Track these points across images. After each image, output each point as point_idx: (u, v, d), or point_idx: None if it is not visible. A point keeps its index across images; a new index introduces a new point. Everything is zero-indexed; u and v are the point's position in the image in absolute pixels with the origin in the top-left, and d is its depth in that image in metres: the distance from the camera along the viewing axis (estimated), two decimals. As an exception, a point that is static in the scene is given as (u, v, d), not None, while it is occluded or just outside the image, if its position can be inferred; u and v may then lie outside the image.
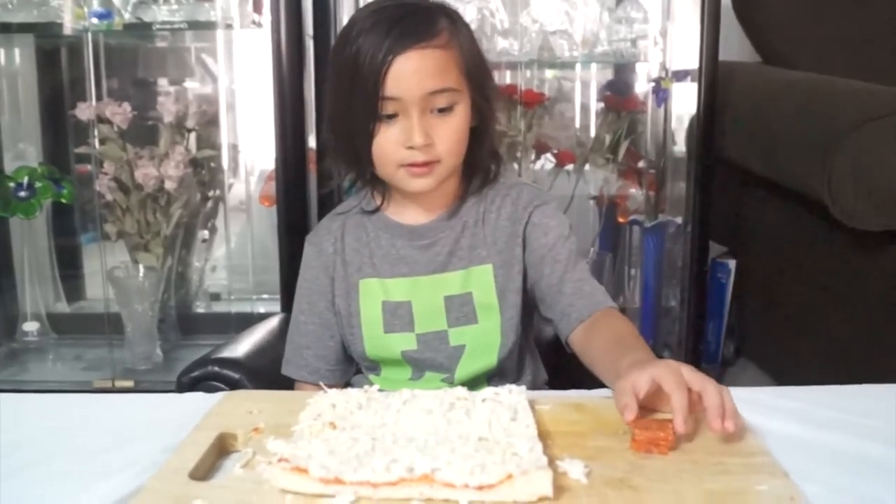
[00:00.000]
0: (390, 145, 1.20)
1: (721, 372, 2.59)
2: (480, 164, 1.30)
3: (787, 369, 2.27)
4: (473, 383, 1.24)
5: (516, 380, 1.31)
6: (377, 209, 1.32)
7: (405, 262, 1.30)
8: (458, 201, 1.31)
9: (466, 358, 1.28)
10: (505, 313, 1.28)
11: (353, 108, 1.19)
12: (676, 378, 0.92)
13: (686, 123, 2.60)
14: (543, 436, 0.87)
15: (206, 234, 2.76)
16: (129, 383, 2.45)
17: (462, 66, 1.21)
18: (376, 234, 1.32)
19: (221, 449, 0.93)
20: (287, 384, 1.35)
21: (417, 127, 1.18)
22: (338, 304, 1.32)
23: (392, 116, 1.19)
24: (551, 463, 0.80)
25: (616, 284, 2.83)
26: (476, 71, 1.24)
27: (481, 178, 1.31)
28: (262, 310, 2.74)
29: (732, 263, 2.63)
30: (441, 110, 1.19)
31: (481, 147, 1.28)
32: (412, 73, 1.16)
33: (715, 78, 2.36)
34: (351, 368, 1.37)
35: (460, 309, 1.28)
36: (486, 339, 1.28)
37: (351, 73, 1.18)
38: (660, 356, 1.48)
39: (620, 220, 2.75)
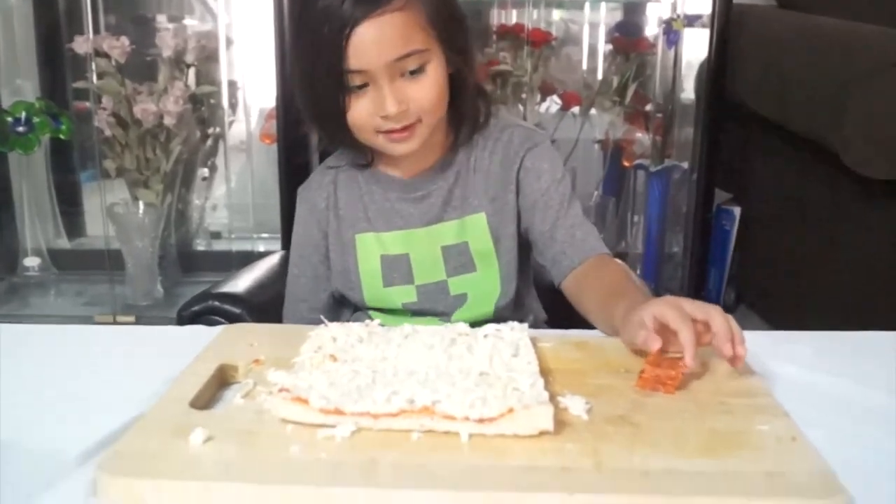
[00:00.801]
0: (364, 116, 1.16)
1: (722, 319, 2.59)
2: (466, 111, 1.25)
3: (787, 318, 2.28)
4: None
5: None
6: (368, 165, 1.30)
7: (400, 216, 1.28)
8: (448, 151, 1.28)
9: (467, 307, 1.28)
10: (502, 259, 1.27)
11: (321, 80, 1.15)
12: (679, 313, 0.91)
13: (696, 67, 2.58)
14: (545, 372, 0.87)
15: (206, 171, 2.75)
16: (131, 318, 2.46)
17: (427, 23, 1.14)
18: (369, 189, 1.30)
19: (222, 380, 0.93)
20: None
21: (389, 95, 1.13)
22: (332, 259, 1.31)
23: (362, 86, 1.14)
24: (552, 399, 0.80)
25: (619, 229, 2.83)
26: (444, 24, 1.17)
27: (470, 124, 1.27)
28: (262, 248, 2.75)
29: (737, 211, 2.63)
30: (412, 72, 1.14)
31: (464, 94, 1.23)
32: (373, 43, 1.10)
33: (727, 23, 2.33)
34: (345, 316, 1.36)
35: (458, 258, 1.27)
36: (485, 287, 1.28)
37: (313, 42, 1.13)
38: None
39: (625, 164, 2.74)
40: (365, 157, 1.29)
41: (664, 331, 0.92)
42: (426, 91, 1.16)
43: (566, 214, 1.25)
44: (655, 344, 0.91)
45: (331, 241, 1.31)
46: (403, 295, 1.28)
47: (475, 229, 1.27)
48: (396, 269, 1.28)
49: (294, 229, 1.36)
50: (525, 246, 1.30)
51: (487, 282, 1.27)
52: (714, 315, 0.92)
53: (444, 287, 1.28)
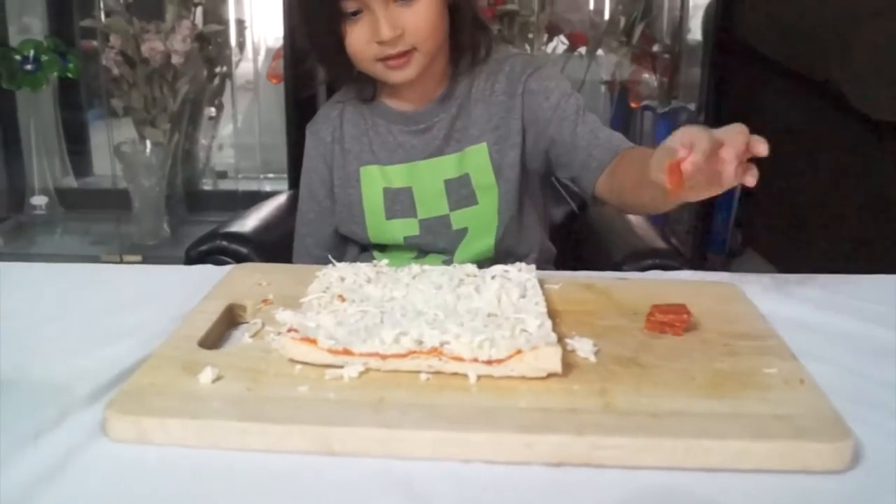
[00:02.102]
0: (360, 43, 1.17)
1: (727, 262, 2.58)
2: (465, 42, 1.25)
3: (793, 261, 2.27)
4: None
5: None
6: (373, 97, 1.30)
7: (403, 149, 1.28)
8: (449, 83, 1.27)
9: (468, 241, 1.27)
10: (502, 189, 1.26)
11: (318, 9, 1.16)
12: (707, 134, 0.87)
13: (703, 8, 2.54)
14: (553, 314, 0.87)
15: (212, 111, 2.73)
16: (137, 258, 2.45)
17: None
18: (374, 122, 1.30)
19: (230, 319, 0.93)
20: (294, 259, 1.35)
21: (383, 21, 1.14)
22: (337, 192, 1.31)
23: (356, 13, 1.15)
24: (560, 341, 0.79)
25: (626, 171, 2.80)
26: None
27: (469, 56, 1.27)
28: (268, 188, 2.74)
29: (744, 153, 2.60)
30: None
31: (462, 25, 1.23)
32: None
33: (736, -40, 2.29)
34: (351, 254, 1.36)
35: (459, 191, 1.27)
36: (486, 219, 1.27)
37: None
38: (667, 243, 1.48)
39: (633, 105, 2.71)
40: (368, 90, 1.29)
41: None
42: (420, 17, 1.16)
43: (584, 121, 1.23)
44: (685, 152, 0.86)
45: (336, 174, 1.31)
46: (406, 228, 1.28)
47: (476, 160, 1.26)
48: (399, 201, 1.28)
49: (303, 166, 1.35)
50: (527, 180, 1.28)
51: (488, 214, 1.27)
52: (733, 135, 0.88)
53: (447, 221, 1.27)
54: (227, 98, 2.74)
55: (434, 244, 1.28)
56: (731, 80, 2.49)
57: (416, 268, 0.97)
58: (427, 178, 1.27)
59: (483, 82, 1.27)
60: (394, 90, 1.27)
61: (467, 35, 1.24)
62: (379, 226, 1.28)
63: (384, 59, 1.17)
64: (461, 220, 1.27)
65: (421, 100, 1.27)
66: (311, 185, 1.34)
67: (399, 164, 1.28)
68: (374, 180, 1.28)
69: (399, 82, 1.21)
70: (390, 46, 1.15)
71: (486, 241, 1.27)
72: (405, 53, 1.17)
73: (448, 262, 1.25)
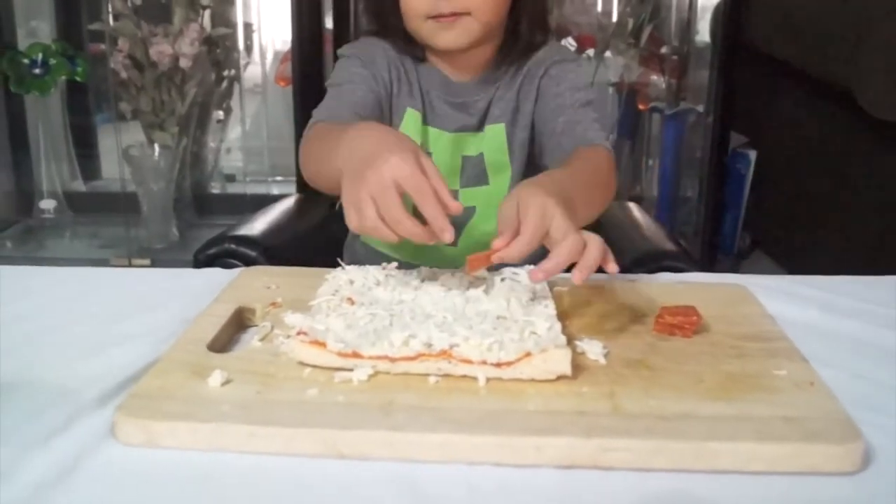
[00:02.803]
0: None
1: (736, 264, 2.58)
2: (523, 33, 1.24)
3: (803, 263, 2.26)
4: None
5: None
6: (423, 58, 1.26)
7: (436, 113, 1.26)
8: (493, 67, 1.26)
9: (474, 223, 1.27)
10: (514, 169, 1.27)
11: None
12: (540, 223, 0.84)
13: (711, 9, 2.54)
14: (562, 316, 0.87)
15: (221, 114, 2.74)
16: (146, 261, 2.46)
17: None
18: (416, 75, 1.26)
19: (239, 323, 0.93)
20: (303, 262, 1.34)
21: None
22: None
23: None
24: (570, 343, 0.79)
25: (633, 173, 2.81)
26: None
27: (521, 48, 1.25)
28: (276, 191, 2.75)
29: (752, 154, 2.60)
30: None
31: (524, 14, 1.22)
32: None
33: (743, -40, 2.29)
34: None
35: (472, 170, 1.27)
36: (495, 200, 1.26)
37: None
38: (676, 245, 1.47)
39: (641, 107, 2.71)
40: (419, 48, 1.25)
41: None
42: None
43: (576, 113, 1.21)
44: (499, 242, 0.84)
45: (383, 104, 1.24)
46: None
47: (493, 140, 1.26)
48: None
49: (335, 76, 1.25)
50: (534, 161, 1.28)
51: (498, 194, 1.26)
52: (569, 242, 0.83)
53: (456, 197, 1.26)
54: (235, 101, 2.75)
55: None
56: (739, 82, 2.49)
57: (424, 270, 0.97)
58: (449, 151, 1.26)
59: (524, 75, 1.26)
60: (435, 62, 1.25)
61: (526, 26, 1.23)
62: None
63: (435, 18, 1.15)
64: (470, 198, 1.26)
65: (465, 74, 1.26)
66: (362, 73, 1.23)
67: (430, 126, 1.26)
68: (413, 127, 1.25)
69: (445, 47, 1.19)
70: (445, 2, 1.14)
71: (491, 222, 1.27)
72: (457, 15, 1.15)
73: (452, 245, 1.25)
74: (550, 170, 1.07)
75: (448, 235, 0.82)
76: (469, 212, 1.27)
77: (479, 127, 1.27)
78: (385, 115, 1.24)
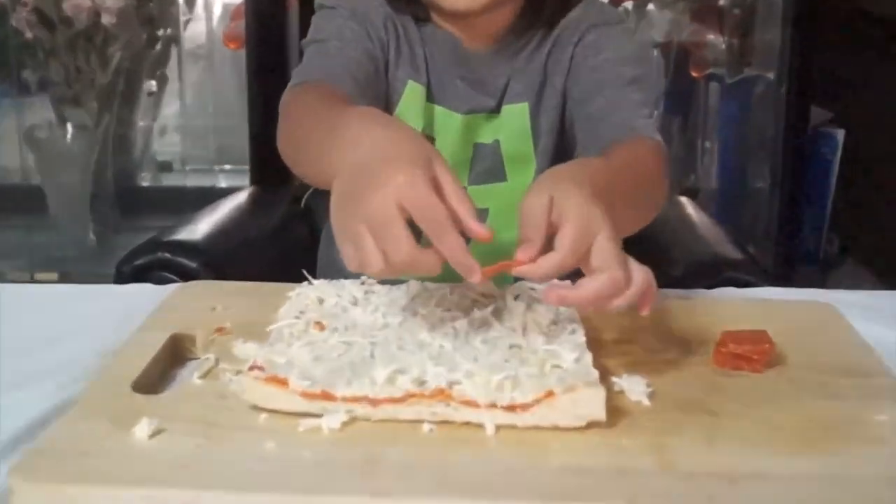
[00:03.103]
0: None
1: (820, 276, 2.58)
2: (545, 2, 1.25)
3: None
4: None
5: None
6: (427, 18, 1.27)
7: (445, 89, 1.27)
8: (515, 33, 1.27)
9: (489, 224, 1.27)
10: (540, 163, 1.27)
11: None
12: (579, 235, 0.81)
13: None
14: (594, 344, 0.86)
15: (153, 85, 2.74)
16: (53, 275, 2.47)
17: None
18: (419, 39, 1.27)
19: (175, 354, 0.93)
20: (259, 276, 1.33)
21: None
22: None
23: None
24: (604, 379, 0.79)
25: (686, 159, 2.82)
26: None
27: (550, 9, 1.26)
28: (224, 184, 2.75)
29: (840, 134, 2.61)
30: None
31: None
32: None
33: None
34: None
35: (484, 162, 1.28)
36: (514, 199, 1.26)
37: None
38: (742, 251, 1.47)
39: (694, 74, 2.73)
40: (421, 7, 1.26)
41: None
42: None
43: (617, 92, 1.21)
44: (523, 255, 0.83)
45: (380, 63, 1.25)
46: None
47: (513, 123, 1.27)
48: None
49: (316, 30, 1.26)
50: (564, 151, 1.28)
51: (517, 194, 1.25)
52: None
53: None
54: (172, 69, 2.75)
55: None
56: (821, 42, 2.49)
57: (415, 285, 0.96)
58: (459, 137, 1.27)
59: (546, 45, 1.27)
60: (442, 19, 1.26)
61: None
62: None
63: None
64: (482, 198, 1.25)
65: (473, 44, 1.27)
66: (350, 30, 1.24)
67: (436, 104, 1.27)
68: (415, 105, 1.26)
69: (454, 9, 1.20)
70: None
71: (510, 233, 1.26)
72: None
73: None
74: (587, 157, 1.06)
75: (477, 277, 0.80)
76: (480, 215, 1.26)
77: (496, 108, 1.27)
78: (382, 86, 1.24)
